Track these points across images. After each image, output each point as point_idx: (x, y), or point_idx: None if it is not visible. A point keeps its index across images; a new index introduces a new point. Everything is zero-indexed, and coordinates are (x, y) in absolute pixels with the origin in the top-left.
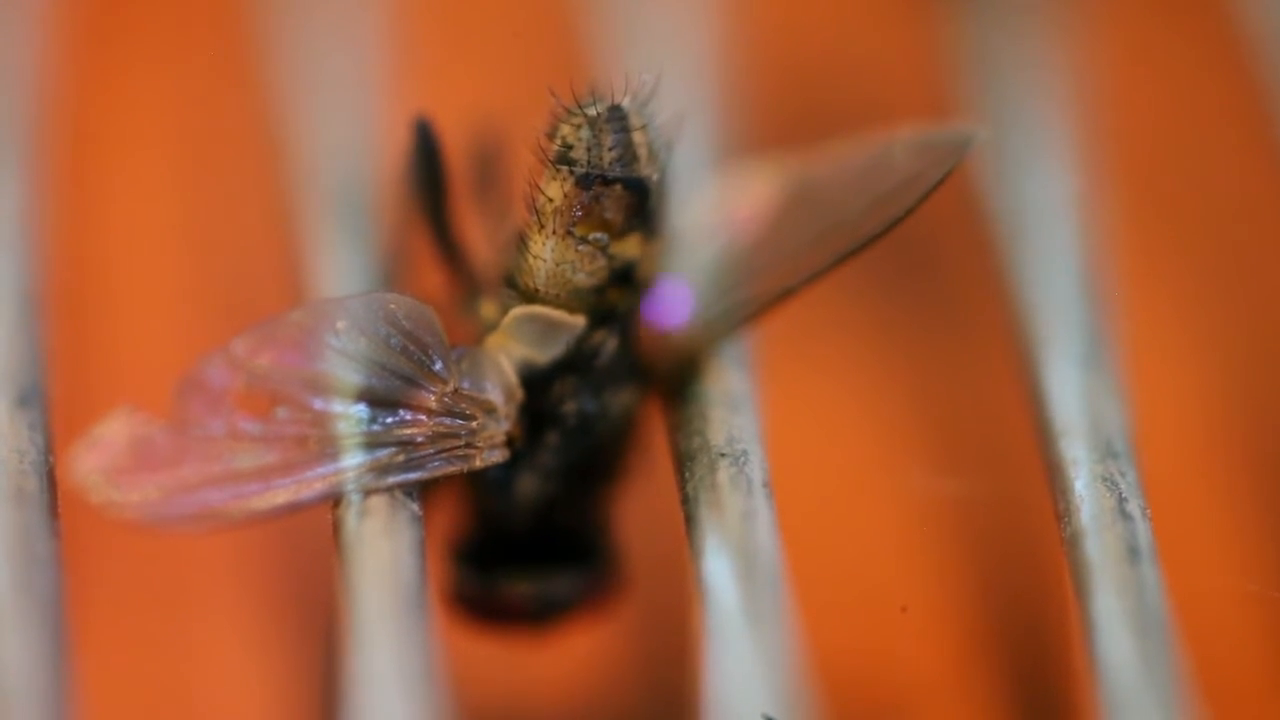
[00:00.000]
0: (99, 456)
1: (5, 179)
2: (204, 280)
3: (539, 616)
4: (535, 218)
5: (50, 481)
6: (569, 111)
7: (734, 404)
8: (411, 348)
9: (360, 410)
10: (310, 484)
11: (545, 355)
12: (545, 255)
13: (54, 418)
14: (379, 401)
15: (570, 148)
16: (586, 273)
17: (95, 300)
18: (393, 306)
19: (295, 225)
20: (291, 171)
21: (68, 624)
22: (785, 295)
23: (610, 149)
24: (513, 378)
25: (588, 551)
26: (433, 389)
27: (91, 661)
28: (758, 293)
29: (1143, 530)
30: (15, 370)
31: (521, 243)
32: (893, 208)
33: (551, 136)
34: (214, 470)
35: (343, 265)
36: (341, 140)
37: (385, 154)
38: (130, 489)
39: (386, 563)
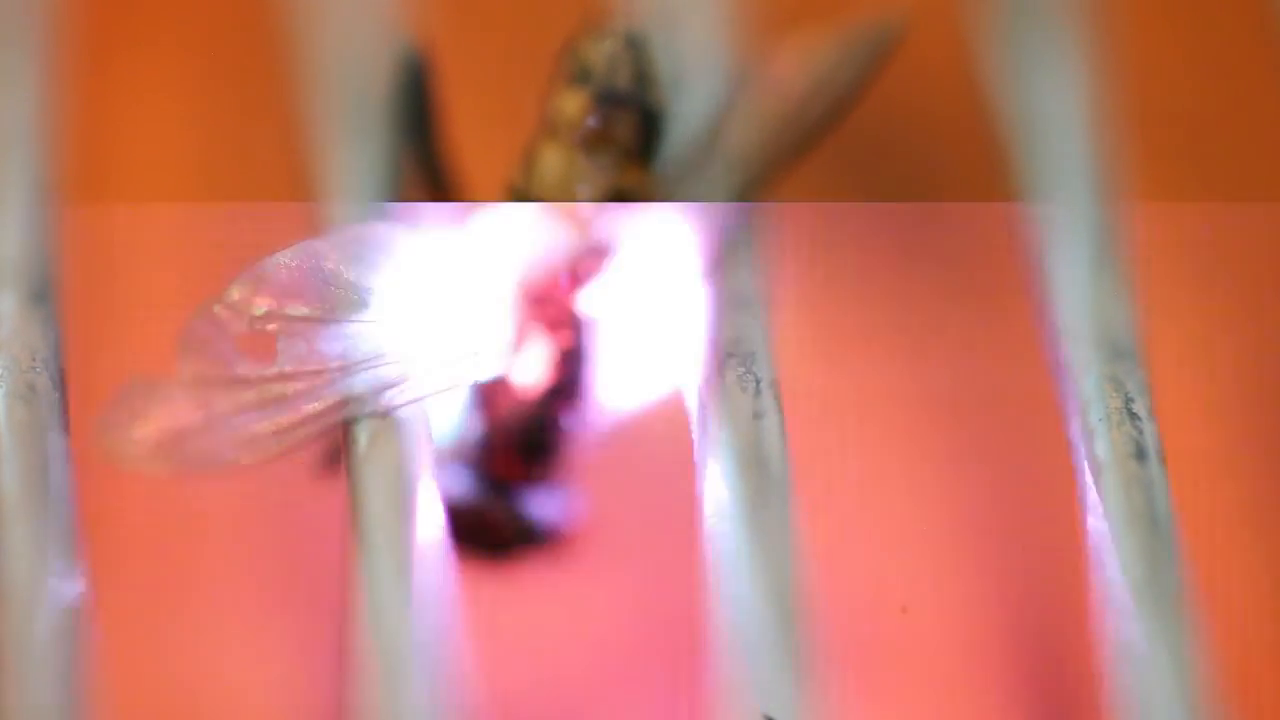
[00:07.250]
0: (121, 423)
1: (19, 77)
2: (216, 178)
3: (511, 543)
4: (548, 128)
5: (61, 379)
6: (592, 31)
7: (742, 304)
8: (402, 273)
9: (361, 338)
10: (321, 416)
11: None
12: (553, 164)
13: (66, 315)
14: (378, 328)
15: (589, 66)
16: (589, 187)
17: (109, 197)
18: (379, 236)
19: (306, 121)
20: (302, 66)
21: (77, 519)
22: (747, 188)
23: (627, 72)
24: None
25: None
26: (429, 310)
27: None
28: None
29: (1149, 430)
30: (28, 267)
31: (531, 150)
32: (829, 104)
33: (573, 52)
34: (229, 416)
35: (351, 156)
36: (353, 32)
37: (397, 49)
38: (154, 448)
39: (393, 479)
